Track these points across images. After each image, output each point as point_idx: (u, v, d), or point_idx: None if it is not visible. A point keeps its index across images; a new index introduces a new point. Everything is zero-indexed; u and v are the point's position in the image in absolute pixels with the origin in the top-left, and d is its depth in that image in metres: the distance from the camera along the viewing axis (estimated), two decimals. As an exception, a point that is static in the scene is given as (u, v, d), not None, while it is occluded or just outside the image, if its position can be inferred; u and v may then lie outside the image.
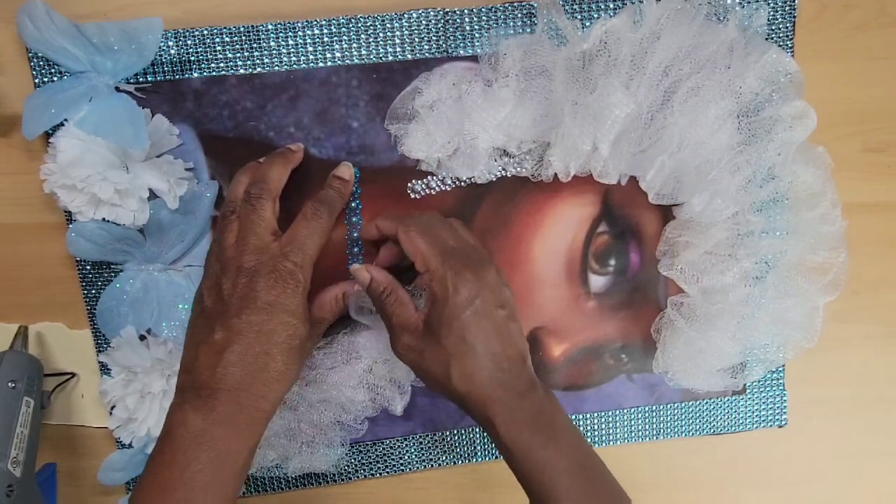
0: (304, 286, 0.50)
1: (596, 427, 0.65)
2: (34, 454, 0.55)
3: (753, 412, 0.67)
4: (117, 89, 0.54)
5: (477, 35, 0.57)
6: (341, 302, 0.56)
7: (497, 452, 0.65)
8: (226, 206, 0.52)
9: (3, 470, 0.52)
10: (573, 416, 0.65)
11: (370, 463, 0.64)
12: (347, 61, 0.56)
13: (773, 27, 0.59)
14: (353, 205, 0.59)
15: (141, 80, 0.55)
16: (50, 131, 0.53)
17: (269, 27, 0.55)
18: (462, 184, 0.59)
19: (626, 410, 0.66)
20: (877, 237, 0.65)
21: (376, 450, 0.64)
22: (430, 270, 0.50)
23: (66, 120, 0.53)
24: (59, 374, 0.60)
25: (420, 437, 0.64)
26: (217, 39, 0.55)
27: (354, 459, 0.64)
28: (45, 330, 0.60)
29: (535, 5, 0.56)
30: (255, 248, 0.49)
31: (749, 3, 0.58)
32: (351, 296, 0.56)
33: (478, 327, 0.49)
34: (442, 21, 0.56)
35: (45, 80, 0.54)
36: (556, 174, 0.59)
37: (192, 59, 0.55)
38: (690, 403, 0.66)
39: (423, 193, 0.59)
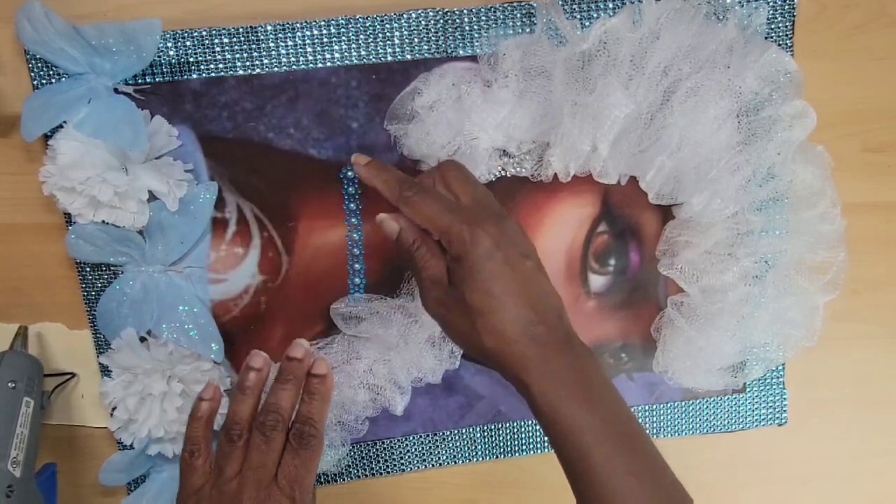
0: None
1: (596, 426, 0.65)
2: (34, 454, 0.55)
3: (753, 411, 0.67)
4: (116, 91, 0.54)
5: (476, 35, 0.57)
6: None
7: (497, 452, 0.65)
8: (230, 428, 0.49)
9: (2, 470, 0.52)
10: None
11: (371, 463, 0.64)
12: (346, 62, 0.56)
13: (773, 27, 0.59)
14: (352, 206, 0.59)
15: (140, 81, 0.55)
16: (49, 133, 0.53)
17: (269, 28, 0.55)
18: (462, 184, 0.59)
19: (625, 410, 0.66)
20: (877, 237, 0.65)
21: (376, 450, 0.64)
22: (443, 231, 0.47)
23: (64, 122, 0.53)
24: (59, 374, 0.60)
25: (420, 437, 0.64)
26: (216, 40, 0.55)
27: (355, 459, 0.64)
28: (45, 330, 0.60)
29: (535, 5, 0.56)
30: (259, 485, 0.48)
31: (748, 2, 0.58)
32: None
33: (504, 280, 0.45)
34: (441, 21, 0.56)
35: (44, 81, 0.54)
36: (555, 174, 0.59)
37: (191, 60, 0.55)
38: (690, 402, 0.66)
39: (422, 194, 0.59)
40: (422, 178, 0.51)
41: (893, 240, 0.66)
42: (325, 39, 0.56)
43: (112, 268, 0.58)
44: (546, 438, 0.65)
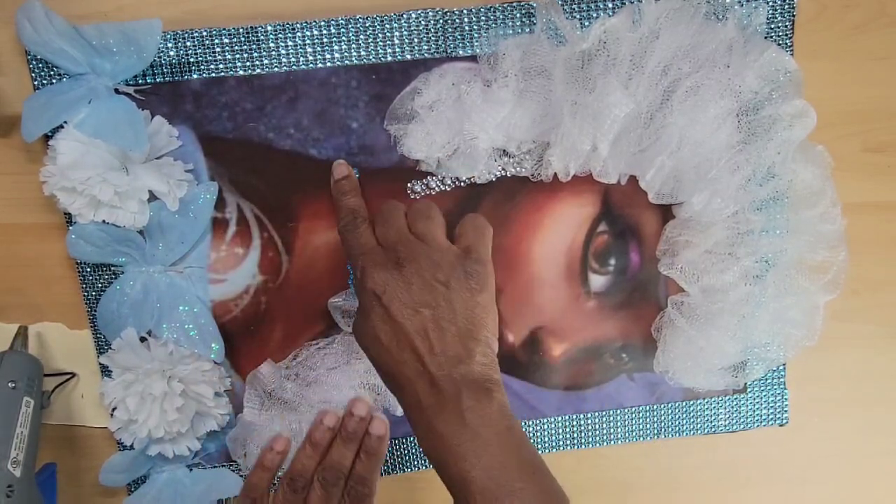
0: None
1: (596, 427, 0.65)
2: (34, 454, 0.55)
3: (754, 411, 0.67)
4: (116, 91, 0.54)
5: (476, 35, 0.57)
6: None
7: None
8: (295, 478, 0.52)
9: (2, 470, 0.52)
10: (573, 416, 0.65)
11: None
12: (347, 62, 0.56)
13: (773, 26, 0.59)
14: (352, 205, 0.59)
15: (140, 81, 0.55)
16: (49, 133, 0.53)
17: (269, 28, 0.55)
18: (462, 184, 0.59)
19: (626, 410, 0.66)
20: (877, 237, 0.65)
21: (377, 450, 0.64)
22: (352, 263, 0.50)
23: (65, 122, 0.53)
24: (59, 374, 0.60)
25: (420, 437, 0.64)
26: (216, 41, 0.55)
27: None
28: (45, 330, 0.60)
29: (534, 5, 0.56)
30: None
31: (748, 2, 0.58)
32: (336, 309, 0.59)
33: (388, 328, 0.47)
34: (441, 21, 0.56)
35: (45, 81, 0.54)
36: (555, 174, 0.59)
37: (192, 60, 0.55)
38: (691, 402, 0.66)
39: (422, 194, 0.59)
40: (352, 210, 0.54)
41: (893, 240, 0.66)
42: (325, 39, 0.56)
43: (112, 268, 0.58)
44: (548, 437, 0.65)
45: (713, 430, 0.67)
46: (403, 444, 0.64)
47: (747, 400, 0.67)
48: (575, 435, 0.65)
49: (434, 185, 0.59)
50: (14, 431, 0.53)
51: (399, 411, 0.62)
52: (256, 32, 0.55)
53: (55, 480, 0.60)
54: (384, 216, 0.52)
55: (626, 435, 0.66)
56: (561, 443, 0.65)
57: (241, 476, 0.62)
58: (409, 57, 0.57)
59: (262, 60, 0.56)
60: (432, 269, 0.48)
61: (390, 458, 0.64)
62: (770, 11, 0.58)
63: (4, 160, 0.57)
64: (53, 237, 0.58)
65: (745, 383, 0.66)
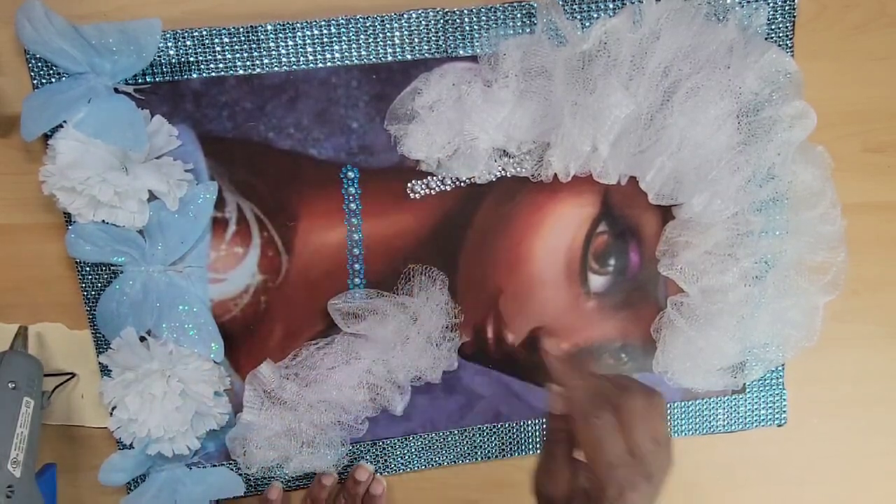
0: None
1: (595, 426, 0.65)
2: (34, 454, 0.55)
3: (753, 411, 0.67)
4: (116, 91, 0.54)
5: (476, 35, 0.57)
6: None
7: (497, 452, 0.65)
8: None
9: (3, 470, 0.52)
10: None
11: (371, 463, 0.64)
12: (347, 62, 0.56)
13: (773, 27, 0.59)
14: (353, 206, 0.59)
15: (140, 81, 0.55)
16: (49, 132, 0.53)
17: (269, 28, 0.55)
18: (462, 184, 0.59)
19: (625, 410, 0.66)
20: (877, 237, 0.66)
21: (376, 450, 0.64)
22: (601, 478, 0.46)
23: (64, 121, 0.53)
24: (58, 374, 0.60)
25: (420, 437, 0.64)
26: (216, 40, 0.55)
27: (355, 459, 0.64)
28: (45, 330, 0.60)
29: (535, 5, 0.56)
30: None
31: (749, 2, 0.58)
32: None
33: None
34: (441, 21, 0.56)
35: (44, 81, 0.54)
36: (555, 174, 0.59)
37: (192, 59, 0.55)
38: (690, 403, 0.66)
39: (422, 194, 0.59)
40: (601, 402, 0.48)
41: (893, 240, 0.66)
42: (326, 39, 0.56)
43: (112, 267, 0.57)
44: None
45: (712, 430, 0.67)
46: (404, 444, 0.64)
47: (746, 400, 0.67)
48: (574, 435, 0.66)
49: (434, 186, 0.59)
50: (14, 431, 0.53)
51: (398, 410, 0.62)
52: (256, 32, 0.55)
53: (55, 480, 0.60)
54: (641, 417, 0.47)
55: (626, 435, 0.66)
56: (560, 442, 0.65)
57: (241, 475, 0.62)
58: (409, 57, 0.57)
59: (262, 60, 0.55)
60: (666, 474, 0.48)
61: (389, 458, 0.64)
62: (770, 12, 0.58)
63: (4, 160, 0.57)
64: (53, 237, 0.58)
65: (744, 384, 0.66)
